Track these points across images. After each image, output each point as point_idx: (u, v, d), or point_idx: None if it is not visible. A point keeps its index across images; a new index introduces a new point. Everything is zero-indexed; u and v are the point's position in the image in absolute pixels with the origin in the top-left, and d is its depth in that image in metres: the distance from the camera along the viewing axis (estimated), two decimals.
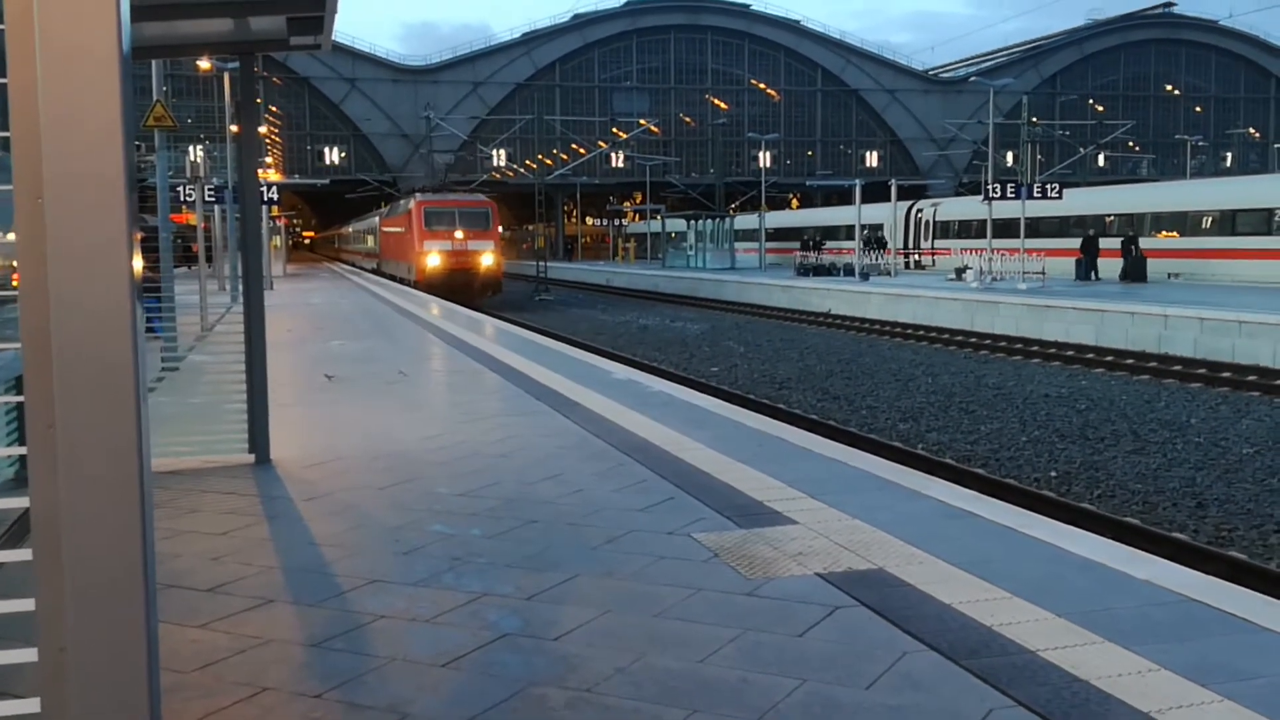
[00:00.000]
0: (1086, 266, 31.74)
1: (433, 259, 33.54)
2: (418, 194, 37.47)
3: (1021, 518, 5.41)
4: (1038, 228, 36.10)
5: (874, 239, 44.17)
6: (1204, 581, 4.37)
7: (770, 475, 6.39)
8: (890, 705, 3.27)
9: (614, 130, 79.39)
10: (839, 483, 6.21)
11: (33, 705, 1.86)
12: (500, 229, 36.97)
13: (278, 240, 47.59)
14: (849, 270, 37.95)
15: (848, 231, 47.03)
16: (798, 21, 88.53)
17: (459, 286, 32.42)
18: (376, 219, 51.55)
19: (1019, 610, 4.04)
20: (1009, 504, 5.78)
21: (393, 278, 40.89)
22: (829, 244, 46.89)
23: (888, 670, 3.53)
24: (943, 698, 3.32)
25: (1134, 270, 30.34)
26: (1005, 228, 34.38)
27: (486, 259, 34.10)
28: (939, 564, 4.62)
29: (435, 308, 23.92)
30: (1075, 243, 33.76)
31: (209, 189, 22.26)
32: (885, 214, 45.80)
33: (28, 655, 1.90)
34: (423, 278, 33.54)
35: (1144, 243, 32.04)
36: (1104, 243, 32.41)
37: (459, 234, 33.71)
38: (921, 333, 24.24)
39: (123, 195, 1.80)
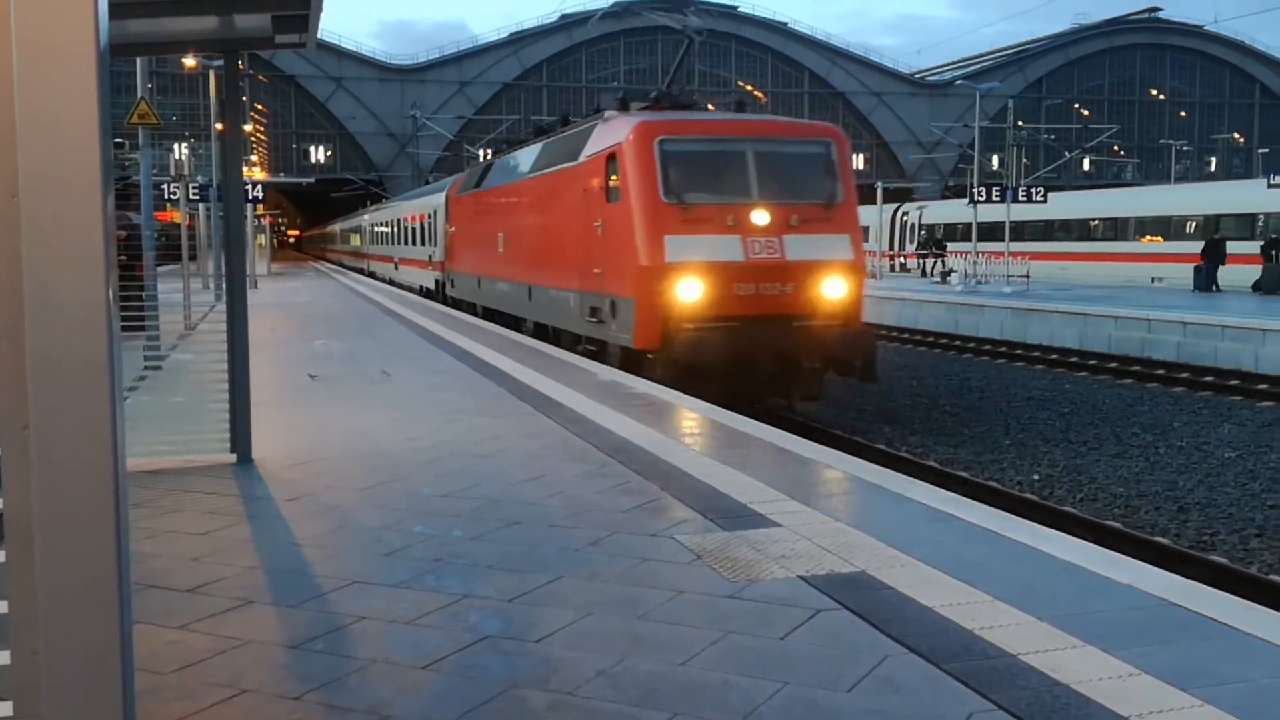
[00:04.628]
0: (1208, 275, 27.37)
1: (689, 288, 12.04)
2: (610, 112, 14.71)
3: (1004, 521, 5.42)
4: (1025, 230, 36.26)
5: (930, 240, 41.10)
6: (1185, 585, 4.39)
7: (754, 477, 6.39)
8: (872, 709, 3.27)
9: None
10: (822, 485, 6.21)
11: (5, 709, 1.84)
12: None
13: (262, 239, 47.39)
14: None
15: None
16: (785, 23, 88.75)
17: (766, 357, 11.97)
18: (442, 197, 26.81)
19: (1000, 614, 4.05)
20: (992, 507, 5.80)
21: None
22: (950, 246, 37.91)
23: (869, 673, 3.53)
24: (924, 701, 3.32)
25: (1273, 280, 25.93)
26: (1016, 231, 33.66)
27: (834, 286, 12.44)
28: (921, 567, 4.62)
29: (433, 316, 23.27)
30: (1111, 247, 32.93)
31: (193, 187, 22.17)
32: (871, 216, 45.97)
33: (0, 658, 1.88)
34: (656, 342, 12.10)
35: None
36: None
37: (761, 215, 12.30)
38: (906, 335, 24.31)
39: (99, 193, 1.79)
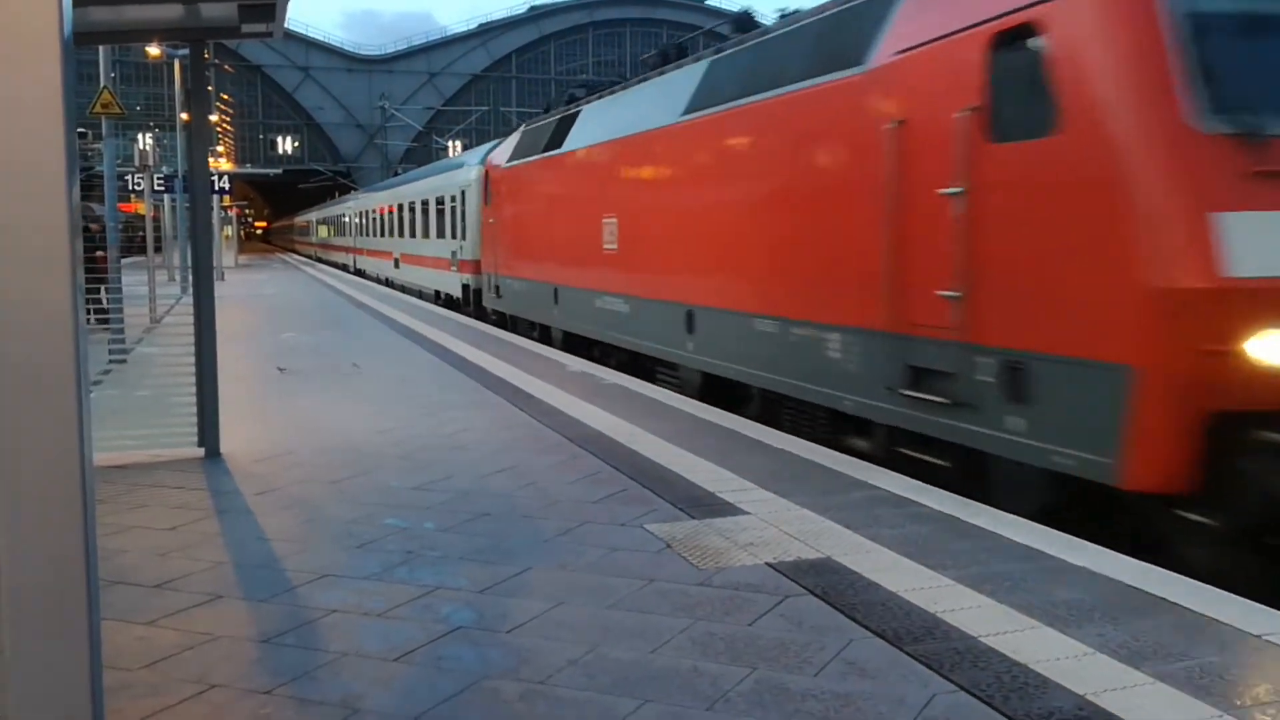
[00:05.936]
0: None
1: None
2: None
3: (965, 506, 5.50)
4: None
5: None
6: (1139, 567, 4.49)
7: (722, 466, 6.44)
8: (837, 692, 3.33)
9: None
10: (789, 473, 6.27)
11: None
12: None
13: (229, 230, 46.92)
14: None
15: None
16: (750, 15, 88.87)
17: None
18: (473, 173, 19.95)
19: (962, 597, 4.12)
20: (952, 493, 5.87)
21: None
22: None
23: (835, 657, 3.59)
24: (888, 683, 3.38)
25: None
26: None
27: None
28: (885, 552, 4.69)
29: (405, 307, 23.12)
30: None
31: (158, 178, 21.95)
32: None
33: None
34: (1189, 476, 4.79)
35: None
36: None
37: None
38: None
39: (64, 185, 1.79)
